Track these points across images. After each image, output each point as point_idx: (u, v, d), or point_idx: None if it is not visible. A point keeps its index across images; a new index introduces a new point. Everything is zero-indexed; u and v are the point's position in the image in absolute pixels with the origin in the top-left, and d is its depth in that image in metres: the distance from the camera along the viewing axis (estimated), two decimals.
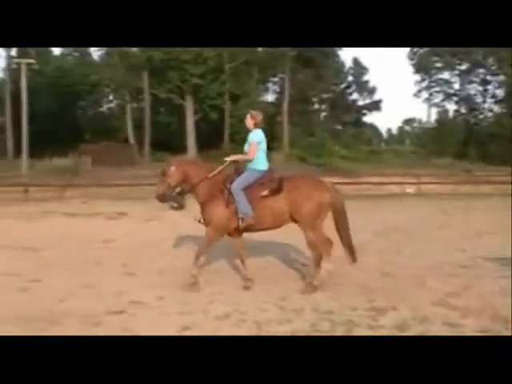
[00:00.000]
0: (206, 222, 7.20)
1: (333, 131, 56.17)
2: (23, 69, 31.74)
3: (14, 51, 47.06)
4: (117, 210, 15.18)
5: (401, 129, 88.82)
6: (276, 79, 57.14)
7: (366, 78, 65.67)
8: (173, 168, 7.25)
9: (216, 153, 38.98)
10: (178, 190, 7.38)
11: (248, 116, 7.39)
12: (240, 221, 7.00)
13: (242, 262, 7.47)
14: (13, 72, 44.45)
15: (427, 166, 34.78)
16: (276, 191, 7.00)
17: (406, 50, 57.58)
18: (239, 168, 7.33)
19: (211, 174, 7.22)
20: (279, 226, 7.31)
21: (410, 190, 22.54)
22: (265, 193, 6.99)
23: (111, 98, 58.86)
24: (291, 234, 8.21)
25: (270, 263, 8.67)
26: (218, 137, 43.23)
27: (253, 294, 6.82)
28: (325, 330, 5.44)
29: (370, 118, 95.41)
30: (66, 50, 59.59)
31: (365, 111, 66.29)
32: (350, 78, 65.34)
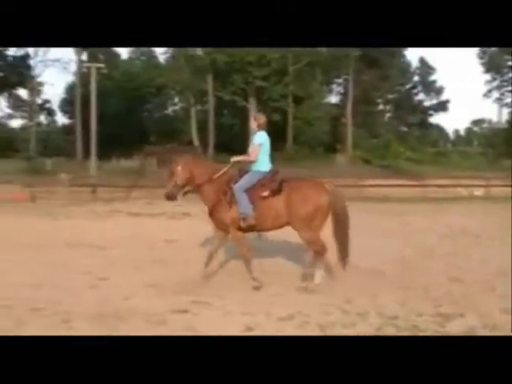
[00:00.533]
0: (224, 227, 7.41)
1: (398, 132, 55.19)
2: (93, 73, 32.80)
3: (84, 55, 48.71)
4: (180, 211, 15.42)
5: (469, 130, 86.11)
6: (340, 80, 56.73)
7: (432, 77, 64.10)
8: (179, 168, 7.48)
9: (279, 155, 39.04)
10: (185, 189, 7.59)
11: (252, 118, 7.75)
12: (241, 221, 7.16)
13: (209, 261, 7.57)
14: (83, 76, 45.96)
15: (496, 168, 33.62)
16: (276, 192, 7.15)
17: (476, 48, 55.90)
18: (243, 169, 7.52)
19: (216, 176, 7.41)
20: (279, 228, 7.46)
21: (478, 192, 21.88)
22: (265, 193, 7.15)
23: (176, 100, 60.05)
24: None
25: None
26: (281, 139, 43.26)
27: (316, 296, 6.78)
28: (390, 334, 5.34)
29: (436, 118, 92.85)
30: (134, 54, 61.25)
31: (431, 112, 64.74)
32: (416, 78, 63.96)
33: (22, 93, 56.79)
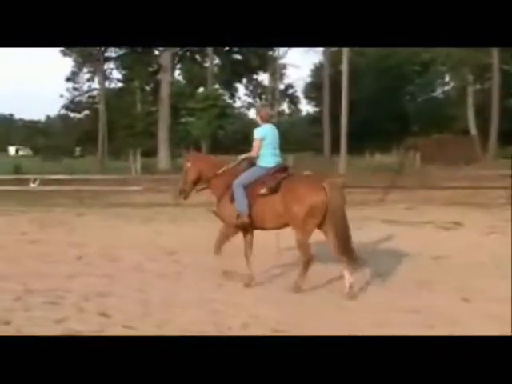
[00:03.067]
0: (220, 219, 8.69)
1: None
2: (345, 50, 33.63)
3: None
4: (450, 219, 15.02)
5: None
6: None
7: None
8: (188, 164, 8.99)
9: None
10: (199, 186, 9.05)
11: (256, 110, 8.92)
12: (236, 218, 8.27)
13: (247, 259, 8.66)
14: (332, 55, 47.38)
15: None
16: (273, 190, 8.05)
17: None
18: (250, 165, 8.61)
19: (220, 171, 8.70)
20: (281, 227, 8.46)
21: None
22: (262, 191, 8.10)
23: (447, 79, 58.82)
24: None
25: None
26: None
27: None
28: None
29: None
30: None
31: None
32: None
33: (263, 78, 60.78)
